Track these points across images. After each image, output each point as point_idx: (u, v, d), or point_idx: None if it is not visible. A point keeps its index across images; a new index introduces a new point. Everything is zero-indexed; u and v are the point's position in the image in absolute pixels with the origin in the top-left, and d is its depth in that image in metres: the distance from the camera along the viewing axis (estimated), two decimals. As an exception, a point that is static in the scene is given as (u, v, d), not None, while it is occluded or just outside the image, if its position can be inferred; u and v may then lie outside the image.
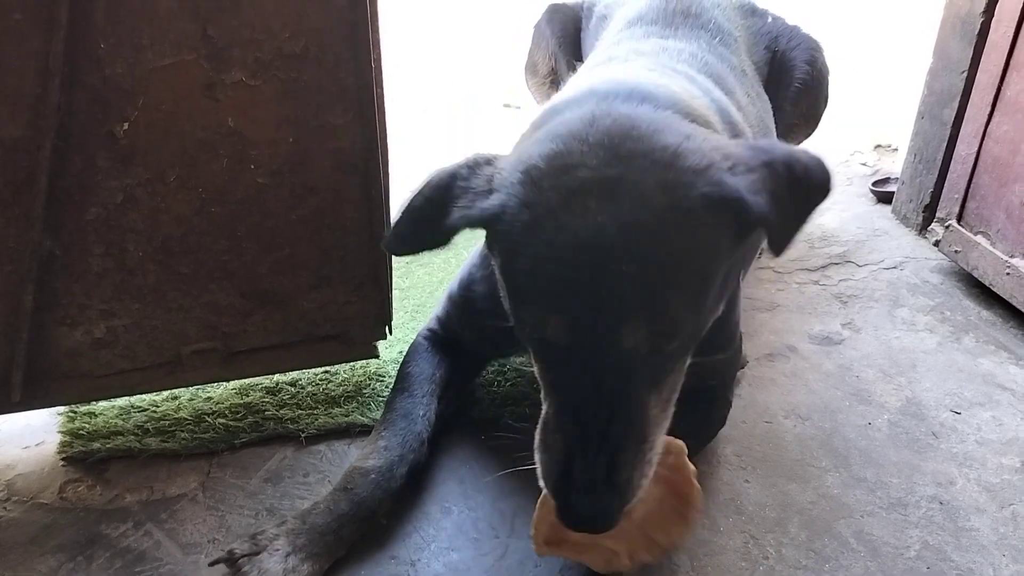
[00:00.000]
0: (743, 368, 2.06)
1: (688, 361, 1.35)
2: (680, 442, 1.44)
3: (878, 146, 3.29)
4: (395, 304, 2.02)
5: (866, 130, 3.41)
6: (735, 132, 1.65)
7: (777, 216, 1.21)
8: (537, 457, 1.31)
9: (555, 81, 2.63)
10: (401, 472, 1.63)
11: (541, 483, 1.31)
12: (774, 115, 2.26)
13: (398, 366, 1.95)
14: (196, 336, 1.82)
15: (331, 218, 1.79)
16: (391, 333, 1.96)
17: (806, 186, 1.27)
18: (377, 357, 1.97)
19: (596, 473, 1.22)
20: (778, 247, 1.26)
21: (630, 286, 1.15)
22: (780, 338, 2.22)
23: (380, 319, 1.94)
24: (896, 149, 3.22)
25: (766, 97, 2.22)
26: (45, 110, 1.49)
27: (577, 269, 1.16)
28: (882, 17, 4.19)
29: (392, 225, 1.39)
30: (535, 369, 1.36)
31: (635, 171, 1.19)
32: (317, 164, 1.72)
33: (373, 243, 1.84)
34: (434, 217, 1.30)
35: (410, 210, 1.35)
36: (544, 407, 1.33)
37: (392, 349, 2.05)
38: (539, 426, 1.32)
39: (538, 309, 1.23)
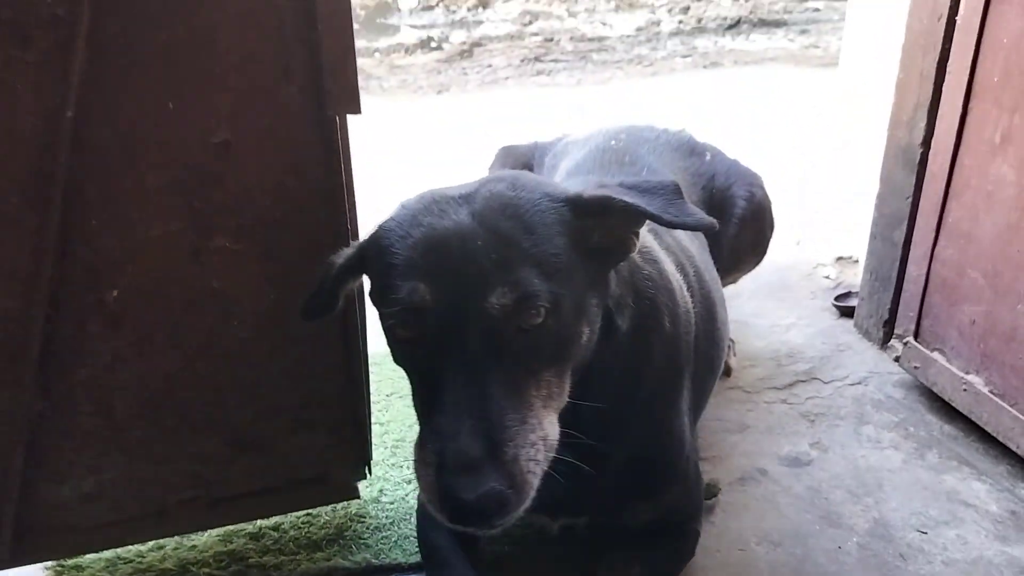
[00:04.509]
0: (716, 495, 2.12)
1: (567, 373, 1.43)
2: None
3: (840, 258, 3.42)
4: (375, 440, 2.08)
5: (828, 242, 3.55)
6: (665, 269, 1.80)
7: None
8: (417, 476, 1.34)
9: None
10: None
11: (423, 495, 1.33)
12: (720, 248, 2.39)
13: (379, 506, 2.00)
14: (181, 485, 1.87)
15: (311, 365, 1.87)
16: (371, 473, 2.02)
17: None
18: (358, 498, 2.02)
19: (473, 450, 1.23)
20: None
21: (487, 257, 1.32)
22: (751, 460, 2.28)
23: (360, 459, 2.00)
24: (857, 261, 3.35)
25: (702, 235, 2.34)
26: (38, 283, 1.58)
27: (441, 249, 1.35)
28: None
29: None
30: (414, 398, 1.47)
31: (487, 187, 1.44)
32: (297, 317, 1.81)
33: (352, 387, 1.92)
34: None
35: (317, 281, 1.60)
36: (418, 434, 1.38)
37: (372, 488, 2.11)
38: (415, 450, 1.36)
39: (405, 282, 1.35)
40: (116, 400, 1.75)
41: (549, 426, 1.37)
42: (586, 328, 1.45)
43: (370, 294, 1.54)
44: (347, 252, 1.57)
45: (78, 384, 1.71)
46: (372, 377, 2.04)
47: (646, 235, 1.75)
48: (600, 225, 1.46)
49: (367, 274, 1.56)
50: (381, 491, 2.10)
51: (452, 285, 1.33)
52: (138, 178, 1.60)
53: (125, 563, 1.87)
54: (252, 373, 1.83)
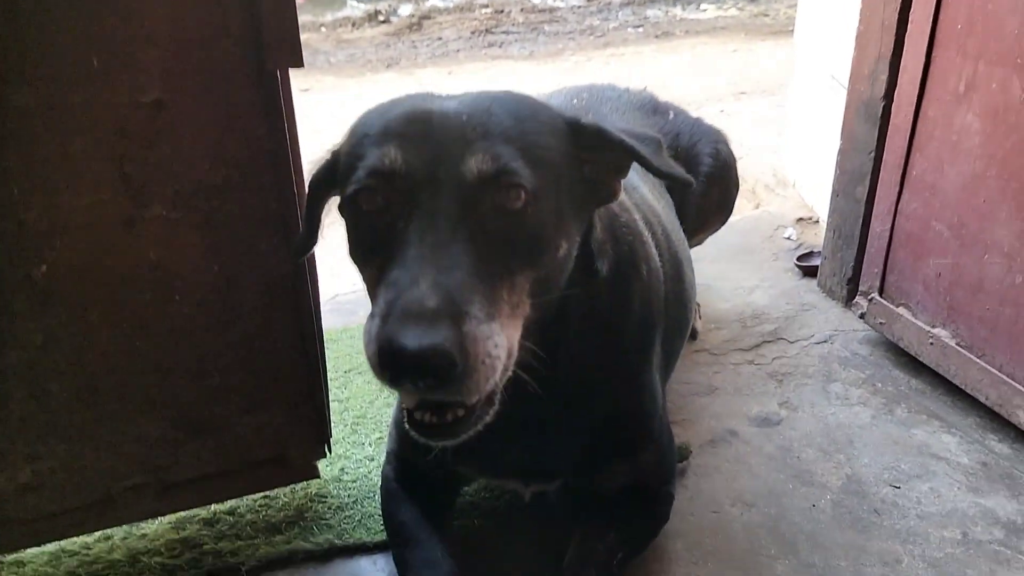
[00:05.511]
0: (687, 458, 2.07)
1: (539, 288, 1.30)
2: None
3: (800, 219, 3.40)
4: (334, 417, 2.00)
5: (789, 204, 3.53)
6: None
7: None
8: (364, 342, 1.16)
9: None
10: None
11: (368, 356, 1.14)
12: (687, 208, 2.33)
13: (341, 485, 1.92)
14: (127, 472, 1.77)
15: (262, 341, 1.77)
16: (331, 451, 1.93)
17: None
18: (318, 477, 1.93)
19: (430, 301, 1.09)
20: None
21: (471, 130, 1.25)
22: (721, 422, 2.24)
23: (319, 438, 1.91)
24: (818, 221, 3.33)
25: (668, 196, 2.29)
26: (-41, 260, 1.46)
27: (422, 120, 1.28)
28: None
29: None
30: (364, 277, 1.30)
31: (483, 91, 1.38)
32: (245, 290, 1.71)
33: (307, 363, 1.82)
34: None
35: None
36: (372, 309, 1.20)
37: (333, 466, 2.02)
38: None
39: (377, 148, 1.26)
40: (51, 384, 1.63)
41: (512, 339, 1.23)
42: (564, 243, 1.34)
43: (339, 204, 1.39)
44: (322, 159, 1.45)
45: (8, 368, 1.59)
46: (329, 354, 1.95)
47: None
48: (591, 159, 1.40)
49: (339, 176, 1.38)
50: (342, 469, 2.01)
51: (429, 151, 1.24)
52: (62, 142, 1.48)
53: (70, 556, 1.76)
54: (198, 351, 1.72)
